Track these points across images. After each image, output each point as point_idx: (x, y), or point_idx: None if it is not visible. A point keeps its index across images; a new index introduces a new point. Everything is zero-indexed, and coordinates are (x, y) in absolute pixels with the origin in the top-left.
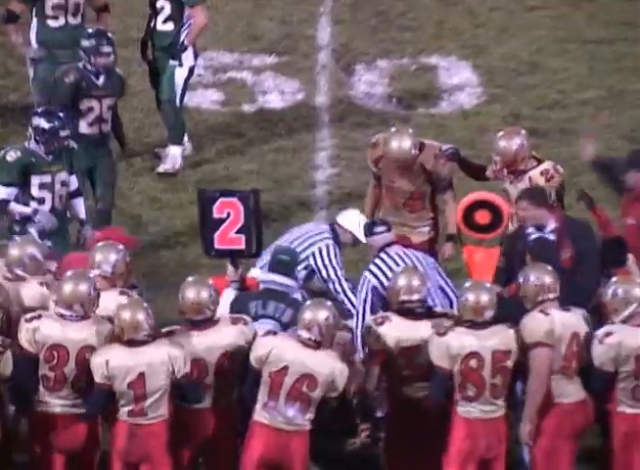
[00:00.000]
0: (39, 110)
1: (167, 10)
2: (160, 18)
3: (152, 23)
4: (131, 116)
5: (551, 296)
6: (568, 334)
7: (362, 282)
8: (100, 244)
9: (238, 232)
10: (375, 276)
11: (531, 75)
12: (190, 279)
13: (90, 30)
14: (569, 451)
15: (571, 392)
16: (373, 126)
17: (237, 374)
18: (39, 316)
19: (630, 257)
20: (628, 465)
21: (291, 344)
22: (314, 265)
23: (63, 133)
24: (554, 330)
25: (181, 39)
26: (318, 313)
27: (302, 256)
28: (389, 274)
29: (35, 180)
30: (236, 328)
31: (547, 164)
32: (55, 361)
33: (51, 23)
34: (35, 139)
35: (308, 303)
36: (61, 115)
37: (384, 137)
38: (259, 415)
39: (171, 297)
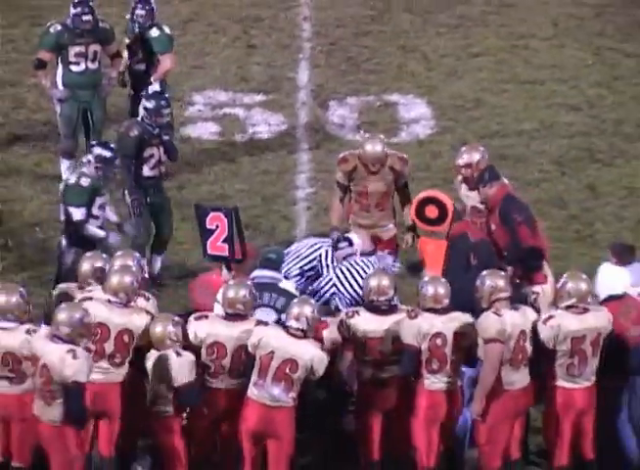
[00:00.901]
0: (96, 142)
1: (140, 54)
2: (135, 60)
3: (129, 64)
4: None
5: (503, 295)
6: (516, 332)
7: (327, 281)
8: (116, 265)
9: (223, 241)
10: (338, 278)
11: (476, 110)
12: (232, 281)
13: (150, 92)
14: (508, 430)
15: (516, 380)
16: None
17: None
18: (90, 298)
19: (545, 263)
20: (561, 432)
21: (278, 333)
22: (319, 263)
23: (116, 162)
24: (505, 329)
25: (149, 79)
26: (304, 307)
27: (312, 256)
28: (349, 277)
29: (98, 201)
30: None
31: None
32: (98, 337)
33: (74, 68)
34: (96, 166)
35: (296, 299)
36: (112, 146)
37: (350, 153)
38: (251, 392)
39: (175, 295)
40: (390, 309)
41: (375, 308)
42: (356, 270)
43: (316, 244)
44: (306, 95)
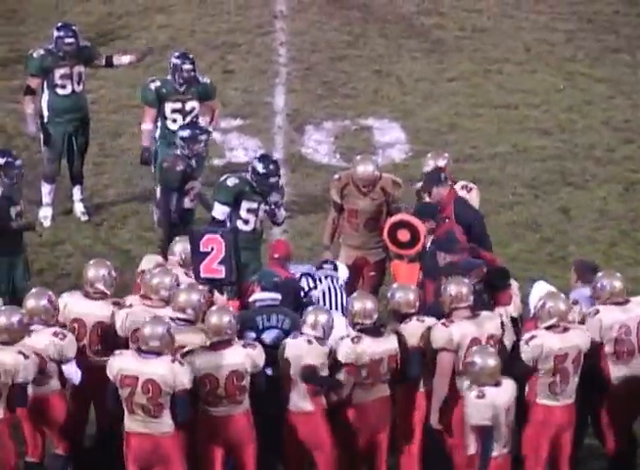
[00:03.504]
0: (259, 155)
1: (197, 108)
2: (189, 117)
3: (171, 127)
4: (122, 169)
5: (462, 304)
6: (466, 341)
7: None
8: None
9: (220, 263)
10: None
11: (450, 134)
12: (214, 307)
13: (186, 121)
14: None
15: None
16: (320, 177)
17: (245, 389)
18: (130, 305)
19: (514, 282)
20: (537, 448)
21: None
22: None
23: (272, 180)
24: (452, 339)
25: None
26: (319, 316)
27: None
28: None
29: (245, 205)
30: (245, 351)
31: (464, 181)
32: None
33: (60, 91)
34: (251, 176)
35: (311, 308)
36: (277, 161)
37: (344, 173)
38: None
39: None
40: (383, 331)
41: (371, 331)
42: (330, 294)
43: (298, 271)
44: (283, 120)
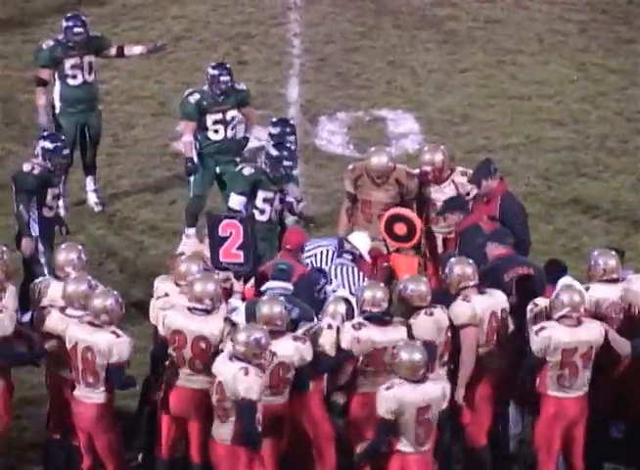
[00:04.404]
0: (273, 142)
1: (237, 116)
2: (230, 126)
3: (213, 138)
4: (135, 159)
5: (471, 283)
6: (487, 314)
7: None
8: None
9: (238, 248)
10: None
11: (463, 125)
12: (265, 297)
13: (274, 119)
14: (492, 409)
15: (493, 361)
16: (334, 168)
17: (289, 381)
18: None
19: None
20: (550, 440)
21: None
22: (316, 260)
23: (286, 163)
24: (476, 314)
25: (244, 136)
26: (338, 306)
27: (311, 252)
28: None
29: (261, 194)
30: (294, 344)
31: (460, 168)
32: (175, 344)
33: (71, 81)
34: (265, 162)
35: (331, 298)
36: (290, 147)
37: (358, 163)
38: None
39: None
40: (390, 320)
41: (376, 319)
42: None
43: (321, 241)
44: (296, 111)
